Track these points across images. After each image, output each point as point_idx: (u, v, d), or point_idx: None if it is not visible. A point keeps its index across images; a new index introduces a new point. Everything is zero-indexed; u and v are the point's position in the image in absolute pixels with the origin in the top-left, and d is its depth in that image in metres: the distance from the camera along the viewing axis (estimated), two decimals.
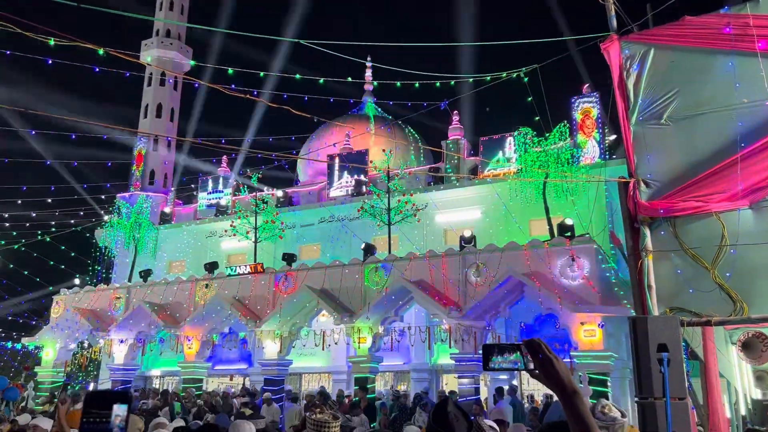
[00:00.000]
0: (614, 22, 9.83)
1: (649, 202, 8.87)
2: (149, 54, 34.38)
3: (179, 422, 7.65)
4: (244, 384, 22.82)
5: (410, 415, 14.68)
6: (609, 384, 15.65)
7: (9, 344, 30.81)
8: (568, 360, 16.78)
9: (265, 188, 29.01)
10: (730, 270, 8.26)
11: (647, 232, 8.82)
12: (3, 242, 27.14)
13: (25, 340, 26.03)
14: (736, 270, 8.23)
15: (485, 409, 16.04)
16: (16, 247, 27.08)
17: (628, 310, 14.04)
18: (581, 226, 18.65)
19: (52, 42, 6.89)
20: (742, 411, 9.83)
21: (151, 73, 34.62)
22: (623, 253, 11.83)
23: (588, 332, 15.65)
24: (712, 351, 8.70)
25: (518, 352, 2.09)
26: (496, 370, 2.13)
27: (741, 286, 8.22)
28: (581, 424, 1.97)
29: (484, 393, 19.77)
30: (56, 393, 21.30)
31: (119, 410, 1.69)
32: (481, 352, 2.26)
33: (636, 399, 7.23)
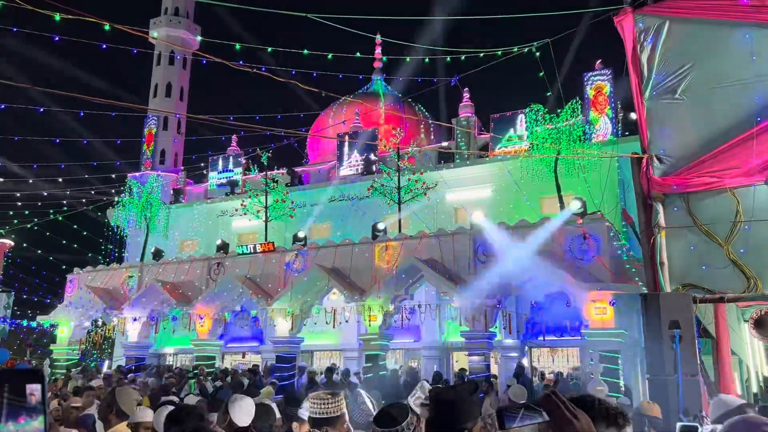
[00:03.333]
0: None
1: (662, 178, 8.75)
2: (157, 32, 34.23)
3: (192, 399, 7.70)
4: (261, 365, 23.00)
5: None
6: (620, 362, 15.62)
7: (24, 322, 31.22)
8: (579, 338, 16.78)
9: (275, 167, 29.00)
10: (744, 246, 8.16)
11: (660, 208, 8.71)
12: (16, 221, 27.38)
13: (40, 318, 26.39)
14: (750, 246, 8.13)
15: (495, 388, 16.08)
16: (29, 226, 27.33)
17: (639, 288, 13.95)
18: (593, 203, 18.50)
19: (57, 17, 6.83)
20: (754, 388, 9.80)
21: (159, 53, 34.51)
22: (635, 231, 11.73)
23: (599, 310, 15.59)
24: (725, 328, 8.64)
25: (536, 414, 1.77)
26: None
27: (755, 263, 8.13)
28: None
29: (495, 370, 19.83)
30: (72, 370, 21.62)
31: (33, 389, 1.55)
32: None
33: (647, 376, 7.20)
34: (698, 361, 7.19)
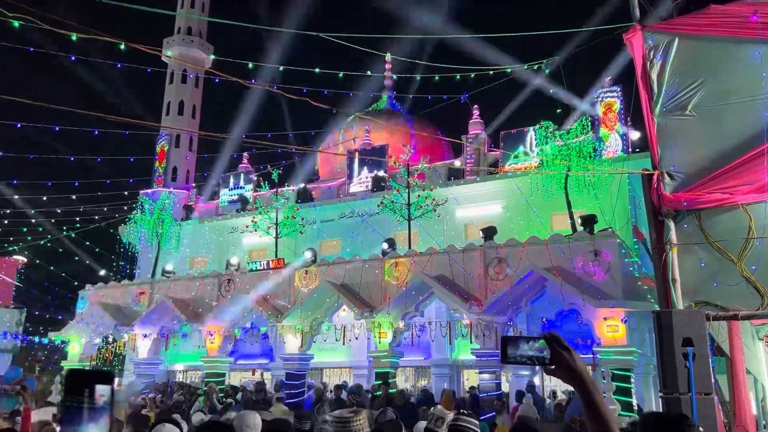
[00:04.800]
0: (637, 12, 9.65)
1: (673, 195, 8.70)
2: (171, 51, 34.68)
3: (199, 416, 7.69)
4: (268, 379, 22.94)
5: None
6: (632, 380, 15.45)
7: (36, 339, 31.36)
8: (591, 356, 16.62)
9: (286, 184, 29.14)
10: (757, 263, 8.08)
11: (671, 224, 8.65)
12: (30, 238, 27.63)
13: (51, 335, 26.50)
14: (763, 263, 8.04)
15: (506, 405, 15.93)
16: (42, 243, 27.56)
17: (651, 305, 13.84)
18: (604, 220, 18.43)
19: (74, 37, 6.97)
20: None
21: (172, 71, 34.94)
22: (647, 248, 11.65)
23: (611, 327, 15.47)
24: (739, 346, 8.53)
25: (542, 341, 2.05)
26: (516, 363, 2.08)
27: None
28: (599, 418, 1.97)
29: (506, 389, 19.66)
30: None
31: (102, 390, 1.59)
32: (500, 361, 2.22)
33: (660, 394, 7.12)
34: (713, 380, 7.10)
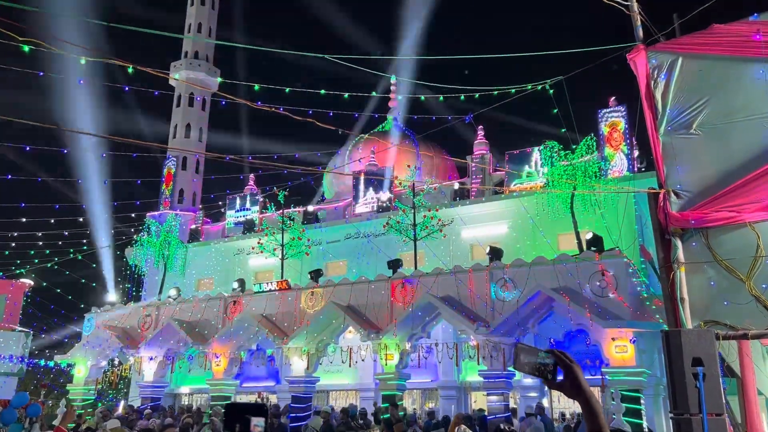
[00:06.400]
0: (640, 32, 9.72)
1: (680, 213, 8.67)
2: (178, 75, 35.08)
3: None
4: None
5: None
6: (642, 401, 15.27)
7: (42, 362, 31.27)
8: (600, 377, 16.45)
9: (292, 205, 29.21)
10: (767, 281, 8.01)
11: (679, 243, 8.60)
12: (36, 261, 27.70)
13: (57, 358, 26.44)
14: None
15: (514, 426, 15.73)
16: (49, 265, 27.62)
17: (660, 325, 13.72)
18: (610, 240, 18.36)
19: (83, 61, 7.06)
20: None
21: (180, 95, 35.30)
22: (654, 267, 11.58)
23: (619, 348, 15.33)
24: (750, 367, 8.42)
25: (549, 353, 2.27)
26: (526, 371, 2.27)
27: None
28: (598, 427, 2.31)
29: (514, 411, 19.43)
30: (86, 410, 21.53)
31: (257, 422, 1.75)
32: (510, 367, 2.39)
33: (671, 415, 7.01)
34: (724, 400, 7.00)
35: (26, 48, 6.92)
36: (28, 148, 14.75)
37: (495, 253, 18.77)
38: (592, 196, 20.46)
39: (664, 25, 9.89)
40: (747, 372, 8.39)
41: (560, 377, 2.33)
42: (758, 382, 8.70)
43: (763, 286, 8.04)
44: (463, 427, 10.44)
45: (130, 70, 7.54)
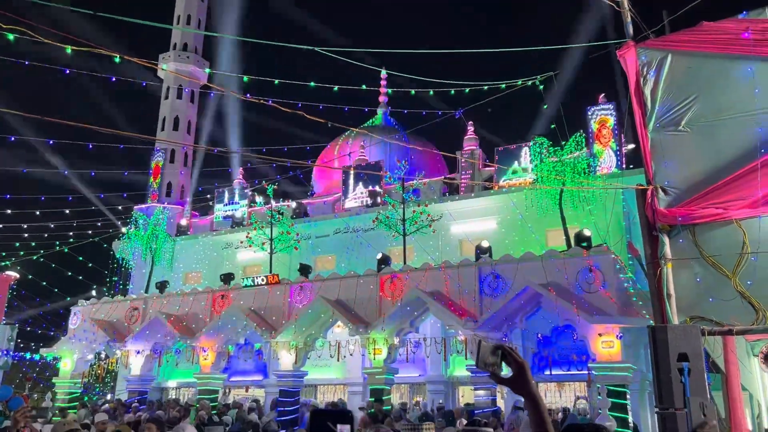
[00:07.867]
0: (630, 29, 9.75)
1: (667, 210, 8.72)
2: (167, 66, 34.80)
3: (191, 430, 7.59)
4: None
5: None
6: (628, 396, 15.38)
7: (28, 355, 31.03)
8: (586, 372, 16.56)
9: (281, 199, 29.11)
10: (752, 278, 8.08)
11: (666, 240, 8.66)
12: (22, 253, 27.44)
13: (43, 351, 26.22)
14: (757, 278, 8.05)
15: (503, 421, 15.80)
16: (35, 257, 27.38)
17: (647, 321, 13.81)
18: (598, 236, 18.45)
19: (69, 50, 6.95)
20: (765, 424, 9.60)
21: (168, 87, 35.04)
22: (641, 264, 11.65)
23: (606, 344, 15.42)
24: (734, 362, 8.50)
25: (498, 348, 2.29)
26: (481, 368, 2.36)
27: (763, 294, 8.03)
28: (543, 425, 2.30)
29: (501, 405, 19.52)
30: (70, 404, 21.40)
31: (342, 429, 1.79)
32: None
33: (656, 410, 7.07)
34: (708, 395, 7.06)
35: (11, 36, 6.82)
36: (13, 138, 14.56)
37: (483, 253, 18.81)
38: (580, 193, 20.55)
39: (654, 22, 9.93)
40: (731, 368, 8.47)
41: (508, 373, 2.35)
42: (742, 377, 8.79)
43: (749, 282, 8.11)
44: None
45: (116, 59, 7.46)
